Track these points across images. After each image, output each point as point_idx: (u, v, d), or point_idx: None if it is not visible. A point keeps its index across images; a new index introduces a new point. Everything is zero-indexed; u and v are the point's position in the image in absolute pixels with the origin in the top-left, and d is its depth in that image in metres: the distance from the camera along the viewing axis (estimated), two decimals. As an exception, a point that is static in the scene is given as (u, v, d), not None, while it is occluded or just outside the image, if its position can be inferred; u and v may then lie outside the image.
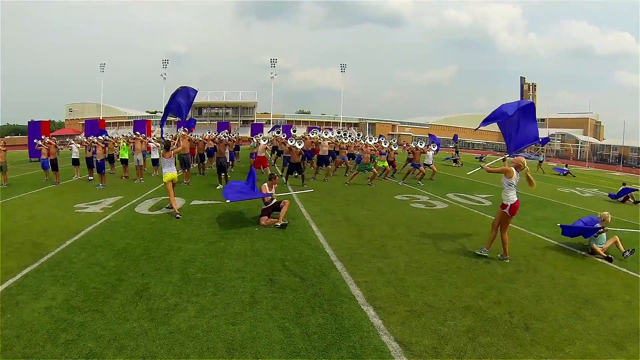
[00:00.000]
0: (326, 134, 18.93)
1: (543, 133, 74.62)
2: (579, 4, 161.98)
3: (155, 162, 15.95)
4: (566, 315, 4.38)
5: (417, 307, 4.43)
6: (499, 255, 6.24)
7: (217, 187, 12.68)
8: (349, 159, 17.72)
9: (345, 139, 18.36)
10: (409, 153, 17.25)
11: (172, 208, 8.64)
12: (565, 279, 5.50)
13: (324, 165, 16.90)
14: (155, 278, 5.04)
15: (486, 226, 8.47)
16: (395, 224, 8.33)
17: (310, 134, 19.33)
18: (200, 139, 17.02)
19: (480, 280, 5.30)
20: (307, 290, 4.77)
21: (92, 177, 14.43)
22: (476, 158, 38.32)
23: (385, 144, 17.07)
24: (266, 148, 16.92)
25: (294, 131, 18.89)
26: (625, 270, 6.03)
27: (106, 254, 5.93)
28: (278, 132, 19.01)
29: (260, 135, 16.22)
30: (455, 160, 28.78)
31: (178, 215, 8.32)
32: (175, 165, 15.30)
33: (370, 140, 17.52)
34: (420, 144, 17.17)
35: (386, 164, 16.36)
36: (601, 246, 6.71)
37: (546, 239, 7.61)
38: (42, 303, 4.28)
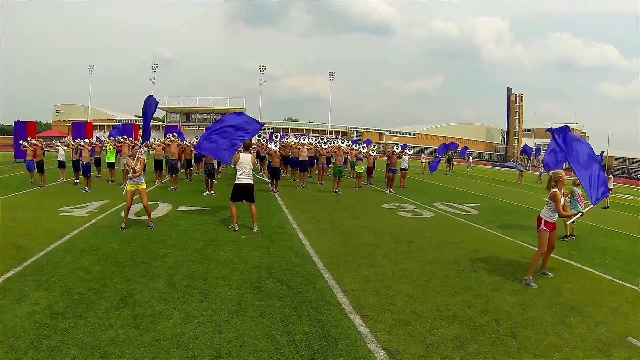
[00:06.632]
0: (305, 140, 19.07)
1: (529, 143, 76.02)
2: (564, 17, 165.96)
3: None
4: (553, 323, 4.43)
5: (404, 315, 4.44)
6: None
7: (204, 194, 12.60)
8: (327, 166, 18.29)
9: (325, 145, 18.44)
10: (388, 158, 17.63)
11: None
12: (551, 287, 5.56)
13: (301, 172, 16.94)
14: (140, 284, 4.96)
15: (473, 235, 8.58)
16: (382, 232, 8.36)
17: (290, 139, 19.47)
18: (188, 144, 16.93)
19: (467, 289, 5.34)
20: (294, 298, 4.74)
21: (78, 180, 14.22)
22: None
23: (363, 149, 17.41)
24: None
25: (276, 137, 18.96)
26: (610, 277, 6.14)
27: (91, 259, 5.83)
28: (259, 136, 19.08)
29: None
30: (449, 161, 30.75)
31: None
32: (163, 170, 15.39)
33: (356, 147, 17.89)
34: (397, 149, 17.52)
35: (362, 169, 16.79)
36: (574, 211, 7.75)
37: (532, 247, 7.70)
38: (25, 308, 4.18)
